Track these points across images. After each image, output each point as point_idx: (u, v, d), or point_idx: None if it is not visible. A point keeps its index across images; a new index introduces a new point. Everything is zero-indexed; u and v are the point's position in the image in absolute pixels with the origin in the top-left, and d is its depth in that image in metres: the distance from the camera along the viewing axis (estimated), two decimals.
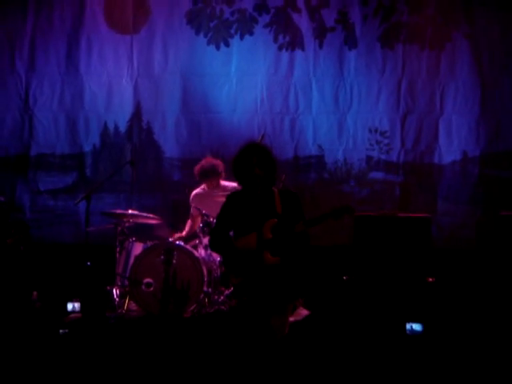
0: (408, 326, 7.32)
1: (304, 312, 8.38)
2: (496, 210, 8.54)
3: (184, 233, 9.13)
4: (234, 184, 8.81)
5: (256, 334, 6.10)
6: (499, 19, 9.80)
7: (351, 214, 6.39)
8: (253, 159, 6.36)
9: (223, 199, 6.79)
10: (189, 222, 9.20)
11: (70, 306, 8.27)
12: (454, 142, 9.92)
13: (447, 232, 9.83)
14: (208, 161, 9.04)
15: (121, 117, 10.11)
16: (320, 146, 10.02)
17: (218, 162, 9.01)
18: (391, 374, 6.14)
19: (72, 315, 8.22)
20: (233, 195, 6.62)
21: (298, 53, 10.00)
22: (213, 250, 7.37)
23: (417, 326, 7.27)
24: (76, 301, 8.27)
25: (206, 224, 8.55)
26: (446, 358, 6.47)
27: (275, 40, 10.00)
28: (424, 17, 9.88)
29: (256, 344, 6.06)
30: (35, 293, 8.53)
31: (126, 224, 8.75)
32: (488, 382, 5.99)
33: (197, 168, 9.03)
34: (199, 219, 8.80)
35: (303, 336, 7.29)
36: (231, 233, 6.55)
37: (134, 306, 8.54)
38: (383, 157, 9.99)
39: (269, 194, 6.41)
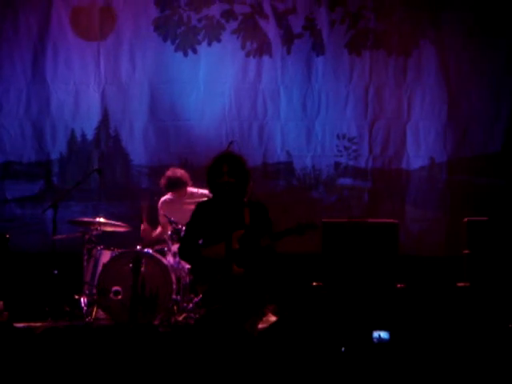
0: (375, 334, 7.33)
1: (273, 318, 8.37)
2: (464, 215, 8.57)
3: (156, 232, 9.11)
4: (202, 190, 8.80)
5: (230, 339, 6.11)
6: (464, 25, 9.88)
7: (315, 230, 6.51)
8: (223, 167, 6.41)
9: (192, 206, 6.77)
10: (159, 229, 9.17)
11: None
12: (421, 147, 9.98)
13: (416, 238, 9.88)
14: (173, 172, 8.98)
15: (88, 124, 10.02)
16: (288, 153, 10.02)
17: (183, 172, 8.98)
18: (358, 381, 6.15)
19: (43, 324, 8.17)
20: (202, 204, 6.64)
21: (266, 59, 9.99)
22: (182, 258, 7.36)
23: (384, 334, 7.28)
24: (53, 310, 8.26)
25: (175, 231, 8.52)
26: (412, 366, 6.49)
27: (243, 47, 9.99)
28: (391, 23, 9.94)
29: (232, 348, 6.06)
30: (1, 302, 8.45)
31: (94, 232, 8.70)
32: None
33: (162, 180, 8.98)
34: (169, 226, 8.76)
35: (272, 342, 7.28)
36: (200, 241, 6.56)
37: (102, 315, 8.48)
38: (351, 163, 10.01)
39: (238, 205, 6.43)
